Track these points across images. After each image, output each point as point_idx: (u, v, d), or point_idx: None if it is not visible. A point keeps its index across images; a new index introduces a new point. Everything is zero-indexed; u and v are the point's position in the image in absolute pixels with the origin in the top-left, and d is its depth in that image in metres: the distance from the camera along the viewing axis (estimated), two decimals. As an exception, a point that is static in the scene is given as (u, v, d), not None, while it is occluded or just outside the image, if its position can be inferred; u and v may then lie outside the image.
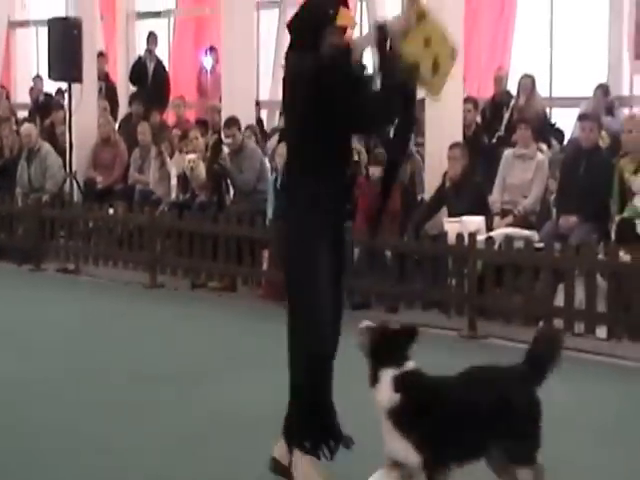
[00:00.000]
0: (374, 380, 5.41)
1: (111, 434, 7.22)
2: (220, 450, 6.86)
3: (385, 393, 5.35)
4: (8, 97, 20.38)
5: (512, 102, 14.24)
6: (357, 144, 12.46)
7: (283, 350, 6.02)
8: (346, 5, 6.06)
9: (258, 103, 16.28)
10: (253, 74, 15.92)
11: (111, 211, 14.30)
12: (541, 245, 10.72)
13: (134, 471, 6.53)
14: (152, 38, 18.66)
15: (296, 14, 6.05)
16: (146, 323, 11.26)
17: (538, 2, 15.81)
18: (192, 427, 7.33)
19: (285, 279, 6.14)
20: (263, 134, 15.32)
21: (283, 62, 6.36)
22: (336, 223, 6.09)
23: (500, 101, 14.58)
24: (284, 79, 6.20)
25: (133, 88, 18.61)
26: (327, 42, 5.89)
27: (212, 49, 18.94)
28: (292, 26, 6.02)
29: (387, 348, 5.44)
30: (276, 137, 14.19)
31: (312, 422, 6.06)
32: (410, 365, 5.43)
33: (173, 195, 14.51)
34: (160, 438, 7.13)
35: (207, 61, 19.07)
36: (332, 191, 5.95)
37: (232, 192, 13.80)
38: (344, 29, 6.02)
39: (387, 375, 5.37)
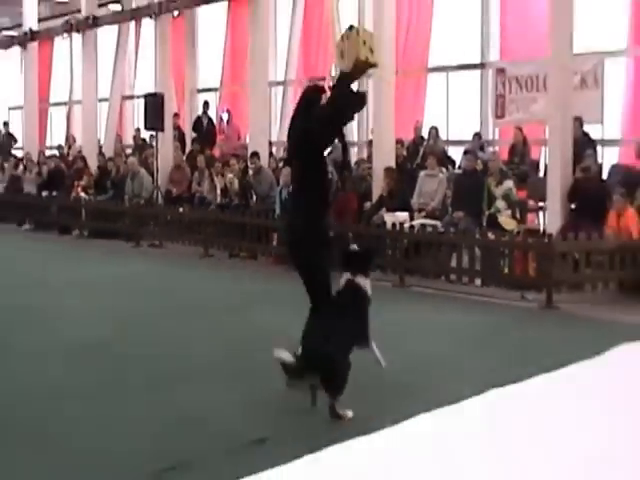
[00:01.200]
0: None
1: (195, 337, 7.11)
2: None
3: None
4: (120, 141, 20.00)
5: (424, 143, 13.87)
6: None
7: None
8: (325, 92, 5.76)
9: (270, 142, 15.88)
10: (267, 127, 15.45)
11: (180, 209, 13.96)
12: (442, 230, 10.44)
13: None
14: (206, 105, 18.25)
15: (300, 98, 5.81)
16: (202, 277, 10.99)
17: (439, 82, 15.32)
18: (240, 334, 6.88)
19: (301, 261, 5.52)
20: (274, 161, 14.86)
21: (289, 123, 5.96)
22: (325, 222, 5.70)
23: (417, 142, 14.18)
24: (288, 134, 5.94)
25: (194, 134, 18.10)
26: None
27: (228, 110, 18.46)
28: (297, 105, 5.79)
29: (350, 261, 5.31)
30: (281, 164, 13.87)
31: None
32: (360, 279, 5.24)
33: (218, 199, 14.08)
34: (226, 340, 6.91)
35: (224, 116, 18.55)
36: (321, 200, 5.61)
37: (254, 197, 13.38)
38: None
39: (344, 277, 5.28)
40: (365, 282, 5.26)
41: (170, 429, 4.86)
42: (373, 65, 5.74)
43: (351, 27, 5.71)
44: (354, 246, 5.65)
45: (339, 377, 4.89)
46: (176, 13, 18.03)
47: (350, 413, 4.93)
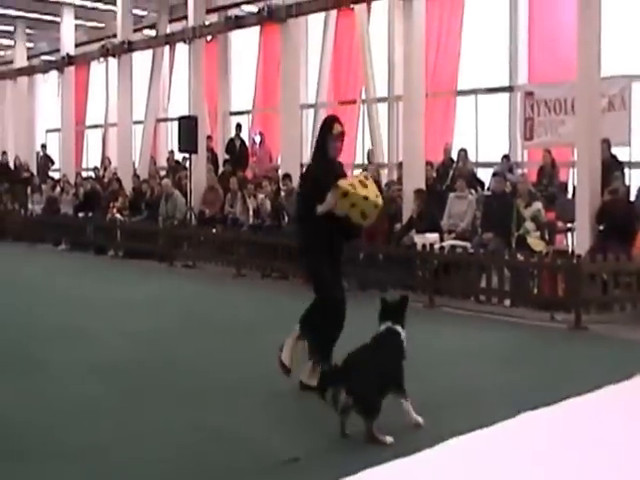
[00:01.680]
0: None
1: (228, 356, 7.17)
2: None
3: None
4: (154, 162, 20.38)
5: (454, 165, 14.04)
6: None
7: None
8: (339, 123, 6.24)
9: (302, 165, 16.08)
10: (298, 149, 15.73)
11: (213, 230, 14.18)
12: (472, 251, 10.56)
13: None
14: (238, 127, 18.53)
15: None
16: (234, 297, 11.18)
17: (468, 105, 15.49)
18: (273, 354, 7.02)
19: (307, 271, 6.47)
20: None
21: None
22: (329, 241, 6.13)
23: (447, 164, 14.35)
24: None
25: (226, 156, 18.40)
26: (330, 145, 6.15)
27: (260, 133, 18.80)
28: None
29: (388, 311, 5.36)
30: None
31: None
32: (398, 327, 5.27)
33: (251, 220, 14.33)
34: (259, 360, 6.96)
35: (257, 138, 18.88)
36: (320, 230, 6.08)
37: (286, 218, 13.57)
38: (340, 135, 6.15)
39: (384, 326, 5.31)
40: (403, 332, 5.33)
41: (204, 446, 4.95)
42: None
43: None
44: (390, 296, 5.63)
45: (371, 399, 4.92)
46: (209, 38, 18.44)
47: (390, 439, 4.90)
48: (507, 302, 9.78)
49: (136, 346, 7.77)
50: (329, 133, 6.13)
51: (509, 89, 15.08)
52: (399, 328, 5.29)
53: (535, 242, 10.72)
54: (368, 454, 4.72)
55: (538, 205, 11.09)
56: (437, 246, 10.64)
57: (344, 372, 5.00)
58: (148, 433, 5.20)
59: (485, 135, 15.22)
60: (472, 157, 14.66)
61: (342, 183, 5.98)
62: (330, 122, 6.24)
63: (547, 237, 11.14)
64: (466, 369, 6.99)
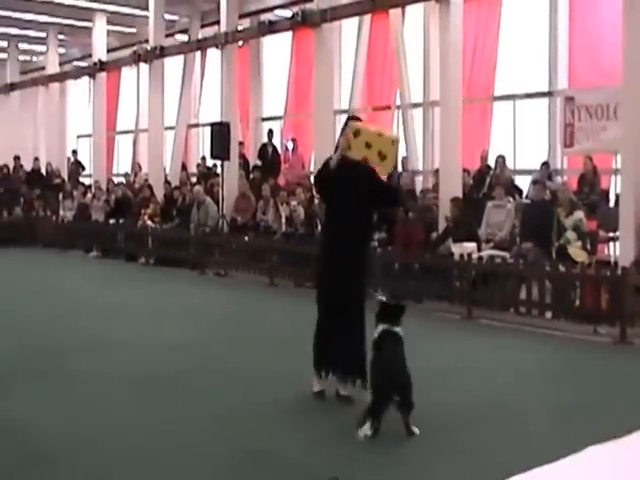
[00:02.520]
0: (375, 328, 5.68)
1: (262, 368, 6.94)
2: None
3: (375, 334, 5.66)
4: (185, 169, 20.33)
5: (491, 172, 13.81)
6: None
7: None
8: (359, 120, 6.29)
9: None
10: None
11: (246, 238, 14.08)
12: (511, 261, 10.31)
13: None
14: (270, 133, 18.48)
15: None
16: (267, 306, 11.10)
17: (506, 110, 15.27)
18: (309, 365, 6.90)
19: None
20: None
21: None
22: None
23: (483, 171, 14.12)
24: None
25: (258, 162, 18.33)
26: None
27: (293, 139, 18.68)
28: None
29: (385, 313, 5.70)
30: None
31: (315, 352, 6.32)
32: (396, 328, 5.62)
33: (283, 228, 14.22)
34: (294, 372, 6.75)
35: (289, 145, 18.77)
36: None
37: (320, 227, 13.43)
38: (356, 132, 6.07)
39: (380, 328, 5.63)
40: (399, 330, 5.65)
41: (242, 464, 4.88)
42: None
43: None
44: (382, 297, 5.87)
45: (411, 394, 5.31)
46: (241, 43, 18.39)
47: (417, 430, 5.28)
48: (548, 314, 9.57)
49: (167, 357, 7.69)
50: (345, 127, 6.15)
51: (548, 94, 14.81)
52: (396, 329, 5.62)
53: (577, 252, 10.48)
54: (407, 474, 4.65)
55: (580, 214, 10.85)
56: (475, 256, 10.44)
57: (393, 378, 5.32)
58: (182, 449, 5.11)
59: (523, 141, 14.97)
60: (510, 164, 14.40)
61: (353, 122, 6.04)
62: (350, 120, 6.26)
63: (589, 247, 10.88)
64: (509, 384, 6.83)
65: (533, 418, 5.82)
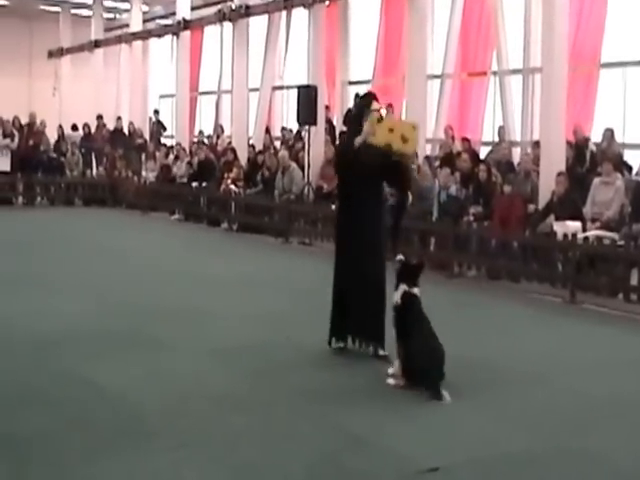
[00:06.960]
0: (396, 288, 5.97)
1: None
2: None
3: (396, 296, 5.96)
4: (269, 132, 20.08)
5: (591, 146, 13.14)
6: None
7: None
8: (376, 99, 6.52)
9: (427, 139, 15.55)
10: (424, 122, 14.82)
11: (332, 207, 13.76)
12: (621, 243, 9.79)
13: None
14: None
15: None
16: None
17: (615, 79, 14.50)
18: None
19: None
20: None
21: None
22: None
23: (581, 144, 13.28)
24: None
25: (344, 128, 17.94)
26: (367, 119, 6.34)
27: (390, 105, 18.14)
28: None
29: (405, 273, 5.96)
30: (437, 163, 13.57)
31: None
32: (415, 290, 5.90)
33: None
34: None
35: (383, 111, 18.23)
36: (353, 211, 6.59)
37: (410, 198, 13.00)
38: (377, 111, 6.44)
39: (401, 288, 5.93)
40: (417, 291, 5.95)
41: (341, 450, 4.75)
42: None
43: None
44: (401, 257, 6.08)
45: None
46: (328, 2, 17.95)
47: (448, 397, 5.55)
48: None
49: (252, 329, 7.63)
50: (367, 108, 6.28)
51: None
52: (415, 290, 5.90)
53: (693, 235, 9.89)
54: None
55: (698, 193, 10.23)
56: (580, 236, 9.94)
57: (440, 359, 5.75)
58: (276, 430, 5.04)
59: (634, 113, 14.17)
60: (619, 137, 13.68)
61: (373, 113, 6.37)
62: (368, 98, 6.47)
63: None
64: (625, 380, 6.39)
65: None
